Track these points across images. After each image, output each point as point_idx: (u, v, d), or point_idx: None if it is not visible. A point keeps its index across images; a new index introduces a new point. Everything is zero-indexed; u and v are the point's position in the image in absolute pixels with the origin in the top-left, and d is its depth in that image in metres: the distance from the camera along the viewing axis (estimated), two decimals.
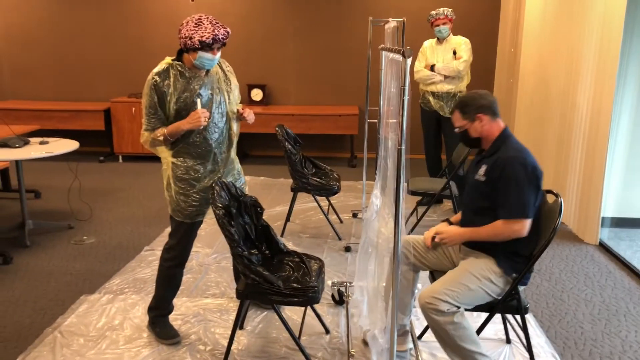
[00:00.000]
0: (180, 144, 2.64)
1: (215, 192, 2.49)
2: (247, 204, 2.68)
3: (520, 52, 5.99)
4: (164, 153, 2.71)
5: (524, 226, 2.28)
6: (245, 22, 7.08)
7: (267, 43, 7.14)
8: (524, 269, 2.37)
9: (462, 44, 4.83)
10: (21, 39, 7.25)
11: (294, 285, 2.46)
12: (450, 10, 4.79)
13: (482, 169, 2.42)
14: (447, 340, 2.30)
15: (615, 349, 2.82)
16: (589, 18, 4.28)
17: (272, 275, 2.46)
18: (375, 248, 2.56)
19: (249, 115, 2.74)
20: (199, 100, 2.56)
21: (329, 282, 3.43)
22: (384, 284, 2.57)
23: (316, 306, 3.12)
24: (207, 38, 2.46)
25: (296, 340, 2.57)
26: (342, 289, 3.28)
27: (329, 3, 6.99)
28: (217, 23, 2.52)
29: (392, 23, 3.73)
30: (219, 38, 2.49)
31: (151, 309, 2.88)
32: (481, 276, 2.35)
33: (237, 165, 2.86)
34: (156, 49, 7.16)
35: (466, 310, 2.36)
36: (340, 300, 3.23)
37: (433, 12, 4.82)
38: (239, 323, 2.57)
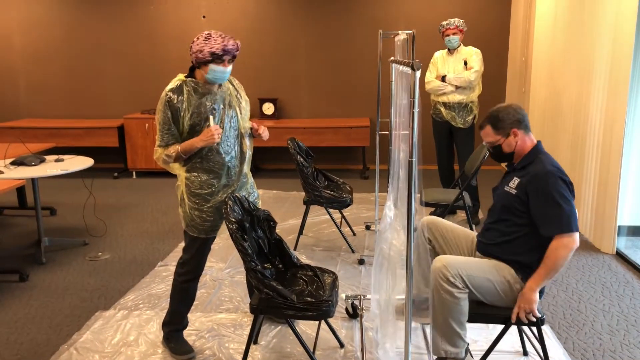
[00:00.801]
0: (194, 159, 2.66)
1: (228, 206, 2.50)
2: (260, 218, 2.69)
3: (531, 61, 5.97)
4: (178, 170, 2.73)
5: (576, 240, 2.27)
6: (256, 37, 7.14)
7: (278, 57, 7.19)
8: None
9: (473, 55, 4.83)
10: (36, 58, 7.38)
11: (308, 299, 2.46)
12: (461, 21, 4.80)
13: (514, 182, 2.41)
14: (439, 309, 2.33)
15: None
16: (600, 27, 4.26)
17: (286, 289, 2.46)
18: (387, 260, 2.55)
19: (264, 132, 2.77)
20: (211, 117, 2.59)
21: (343, 296, 3.42)
22: (397, 297, 2.56)
23: (330, 320, 3.11)
24: (217, 49, 2.50)
25: (310, 354, 2.56)
26: (356, 302, 3.26)
27: (339, 16, 7.04)
28: (226, 36, 2.56)
29: (402, 35, 3.74)
30: (228, 49, 2.53)
31: (166, 324, 2.88)
32: (500, 274, 2.38)
33: (251, 179, 2.87)
34: (169, 66, 7.25)
35: (481, 322, 2.36)
36: (354, 313, 3.21)
37: (444, 22, 4.83)
38: (253, 338, 2.57)
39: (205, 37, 2.53)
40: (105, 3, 7.18)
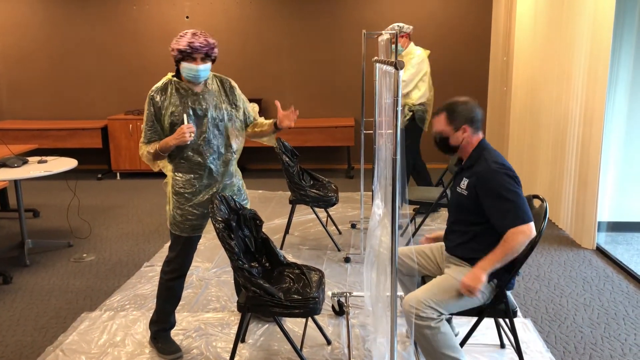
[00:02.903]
0: (177, 158, 2.68)
1: (214, 205, 2.51)
2: (247, 217, 2.71)
3: (512, 60, 6.05)
4: (167, 168, 2.75)
5: (532, 228, 2.29)
6: (240, 37, 7.14)
7: (262, 57, 7.20)
8: (507, 274, 2.39)
9: (409, 58, 4.87)
10: (17, 59, 7.30)
11: (295, 296, 2.48)
12: (399, 26, 4.86)
13: (464, 183, 2.45)
14: (426, 346, 2.32)
15: (615, 352, 2.83)
16: (578, 25, 4.35)
17: (273, 287, 2.48)
18: (377, 257, 2.59)
19: (293, 117, 2.73)
20: (185, 116, 2.60)
21: (329, 293, 3.45)
22: (388, 294, 2.59)
23: (317, 317, 3.14)
24: (183, 46, 2.51)
25: (298, 351, 2.58)
26: (342, 299, 3.29)
27: (322, 16, 7.07)
28: (199, 33, 2.55)
29: (385, 35, 3.78)
30: (195, 46, 2.51)
31: (153, 323, 2.89)
32: None
33: (237, 181, 2.87)
34: (152, 67, 7.22)
35: (453, 315, 2.40)
36: (340, 310, 3.24)
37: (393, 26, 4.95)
38: (240, 336, 2.58)
39: (180, 36, 2.56)
40: (88, 3, 7.13)
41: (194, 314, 3.27)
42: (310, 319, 3.08)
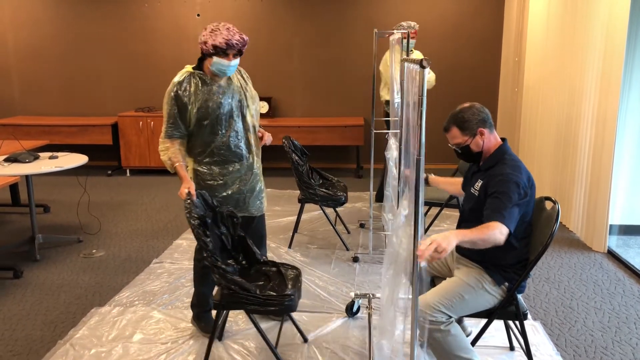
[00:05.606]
0: (207, 151, 2.70)
1: (190, 202, 2.50)
2: (224, 215, 2.68)
3: (524, 61, 6.02)
4: (189, 159, 2.78)
5: (504, 234, 2.17)
6: (250, 35, 7.15)
7: (272, 56, 7.20)
8: (518, 277, 2.37)
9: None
10: (29, 55, 7.35)
11: (270, 293, 2.46)
12: (407, 24, 4.93)
13: (478, 184, 2.42)
14: (438, 349, 2.31)
15: (625, 356, 2.81)
16: (592, 26, 4.31)
17: (248, 283, 2.46)
18: (396, 259, 2.56)
19: (268, 138, 2.85)
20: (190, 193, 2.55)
21: (352, 294, 3.43)
22: (402, 296, 2.57)
23: (327, 316, 3.13)
24: (220, 43, 2.51)
25: (273, 349, 2.58)
26: (365, 300, 3.25)
27: (333, 15, 7.06)
28: (233, 29, 2.56)
29: (397, 35, 3.77)
30: (232, 44, 2.53)
31: (194, 306, 2.98)
32: (475, 285, 2.37)
33: (260, 184, 2.92)
34: (163, 64, 7.24)
35: (465, 316, 2.38)
36: (355, 312, 3.20)
37: (405, 24, 4.92)
38: (215, 334, 2.56)
39: (212, 30, 2.54)
40: (100, 0, 7.16)
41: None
42: (323, 319, 3.07)
